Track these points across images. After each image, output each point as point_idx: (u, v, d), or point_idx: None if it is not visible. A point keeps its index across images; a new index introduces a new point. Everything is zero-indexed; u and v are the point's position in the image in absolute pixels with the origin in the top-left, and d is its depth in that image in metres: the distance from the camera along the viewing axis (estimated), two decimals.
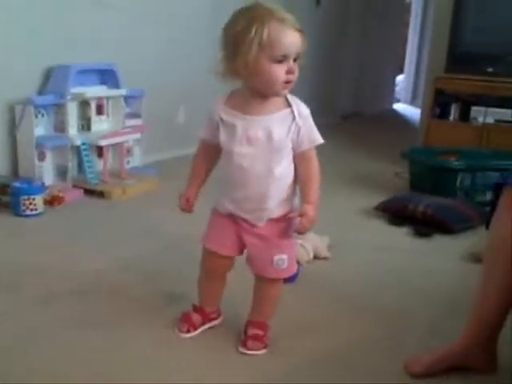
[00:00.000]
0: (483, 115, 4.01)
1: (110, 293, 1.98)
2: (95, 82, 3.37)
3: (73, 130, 3.19)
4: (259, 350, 1.64)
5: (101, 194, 3.11)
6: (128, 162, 3.52)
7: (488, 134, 3.98)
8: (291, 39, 1.40)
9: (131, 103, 3.55)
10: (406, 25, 8.85)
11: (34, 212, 2.72)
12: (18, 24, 3.00)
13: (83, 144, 3.16)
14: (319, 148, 1.53)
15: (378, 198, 3.09)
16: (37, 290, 1.97)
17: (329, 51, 6.00)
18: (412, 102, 8.82)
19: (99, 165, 3.35)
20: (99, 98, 3.33)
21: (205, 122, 1.59)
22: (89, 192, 3.12)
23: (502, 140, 3.85)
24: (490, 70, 3.96)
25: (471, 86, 4.01)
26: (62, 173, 3.14)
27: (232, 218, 1.59)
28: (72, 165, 3.18)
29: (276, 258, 1.57)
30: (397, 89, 8.98)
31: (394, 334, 1.80)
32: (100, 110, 3.35)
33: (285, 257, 1.58)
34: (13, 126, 3.03)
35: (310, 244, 2.34)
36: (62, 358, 1.57)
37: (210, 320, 1.75)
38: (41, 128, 3.06)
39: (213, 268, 1.68)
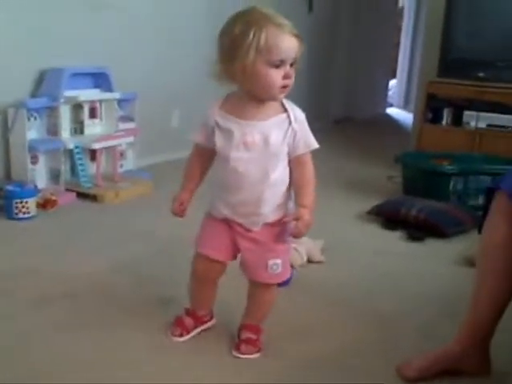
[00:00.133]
0: (475, 120, 4.03)
1: (103, 296, 1.97)
2: (88, 86, 3.36)
3: (66, 133, 3.18)
4: (252, 353, 1.63)
5: (94, 198, 3.10)
6: (121, 166, 3.51)
7: (480, 138, 4.00)
8: (288, 44, 1.40)
9: (124, 106, 3.55)
10: (399, 30, 8.89)
11: (26, 215, 2.71)
12: (11, 27, 3.00)
13: (76, 147, 3.15)
14: (313, 152, 1.53)
15: (371, 202, 3.10)
16: (29, 294, 1.96)
17: (321, 56, 6.01)
18: (405, 106, 8.84)
19: (92, 168, 3.34)
20: (92, 102, 3.32)
21: (199, 125, 1.58)
22: (82, 195, 3.11)
23: (495, 144, 3.87)
24: (481, 75, 3.98)
25: (463, 91, 4.03)
26: (54, 176, 3.13)
27: (226, 222, 1.58)
28: (65, 168, 3.17)
29: (270, 262, 1.57)
30: (389, 93, 9.01)
31: (388, 337, 1.80)
32: (93, 114, 3.35)
33: (279, 261, 1.58)
34: (5, 129, 3.02)
35: (304, 248, 2.34)
36: (54, 362, 1.56)
37: (203, 323, 1.74)
38: (33, 131, 3.05)
39: (204, 273, 1.66)
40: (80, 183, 3.16)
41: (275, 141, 1.48)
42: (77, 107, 3.25)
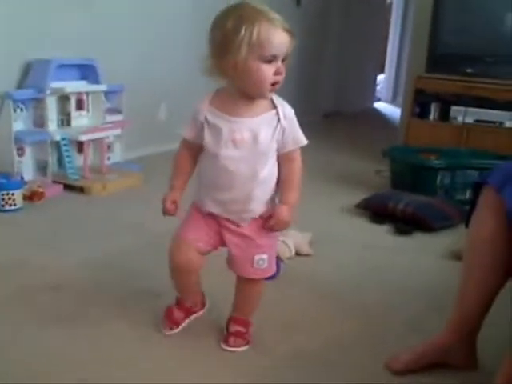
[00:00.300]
0: (463, 115, 4.05)
1: (89, 289, 1.96)
2: (75, 77, 3.33)
3: (52, 124, 3.16)
4: (241, 346, 1.63)
5: (81, 190, 3.09)
6: (109, 158, 3.49)
7: (467, 133, 4.01)
8: (280, 39, 1.39)
9: (112, 99, 3.52)
10: (387, 24, 8.90)
11: (13, 207, 2.69)
12: None
13: (63, 139, 3.13)
14: (302, 146, 1.52)
15: (359, 196, 3.11)
16: (15, 286, 1.94)
17: (310, 50, 6.01)
18: (393, 101, 8.88)
19: (79, 160, 3.32)
20: (79, 93, 3.30)
21: (189, 120, 1.54)
22: (69, 187, 3.10)
23: (482, 140, 3.89)
24: (469, 70, 3.99)
25: (451, 86, 4.04)
26: (41, 168, 3.11)
27: (214, 216, 1.56)
28: (52, 160, 3.15)
29: (257, 257, 1.56)
30: (378, 88, 9.03)
31: (376, 331, 1.81)
32: (80, 105, 3.33)
33: (265, 257, 1.57)
34: None
35: (292, 240, 2.34)
36: (39, 356, 1.55)
37: (192, 313, 1.73)
38: (20, 123, 3.03)
39: (183, 263, 1.57)
40: (67, 175, 3.13)
41: (264, 139, 1.46)
42: (63, 99, 3.23)
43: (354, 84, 7.48)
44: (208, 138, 1.49)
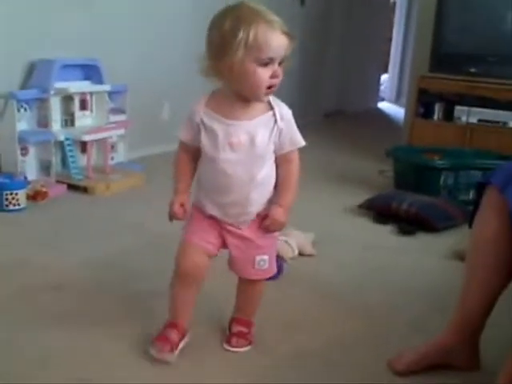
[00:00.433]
0: (466, 115, 4.04)
1: (91, 289, 1.96)
2: (79, 77, 3.34)
3: (56, 125, 3.16)
4: (243, 347, 1.63)
5: (84, 190, 3.09)
6: (112, 158, 3.49)
7: (471, 133, 4.01)
8: (278, 42, 1.36)
9: (115, 99, 3.53)
10: (391, 24, 8.89)
11: (16, 207, 2.70)
12: (0, 18, 2.96)
13: (67, 139, 3.14)
14: (305, 145, 1.51)
15: (362, 196, 3.10)
16: (16, 285, 1.94)
17: (313, 51, 6.01)
18: (396, 100, 8.86)
19: (83, 160, 3.32)
20: (83, 93, 3.31)
21: (185, 122, 1.52)
22: (72, 187, 3.10)
23: (485, 140, 3.88)
24: (473, 70, 3.99)
25: (455, 86, 4.03)
26: (45, 168, 3.12)
27: (215, 218, 1.54)
28: (55, 160, 3.15)
29: (258, 258, 1.55)
30: (381, 88, 9.02)
31: (378, 331, 1.80)
32: (84, 105, 3.33)
33: (266, 257, 1.57)
34: None
35: (295, 241, 2.34)
36: (39, 356, 1.54)
37: (185, 335, 1.61)
38: (23, 123, 3.04)
39: (192, 269, 1.53)
40: (71, 175, 3.14)
41: (261, 141, 1.45)
42: (67, 99, 3.23)
43: (356, 84, 7.47)
44: (205, 140, 1.47)
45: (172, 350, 1.54)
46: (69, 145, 3.14)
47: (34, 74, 3.11)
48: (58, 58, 3.13)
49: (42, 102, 3.09)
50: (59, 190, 3.05)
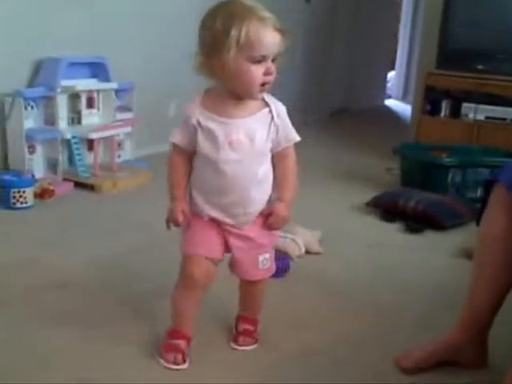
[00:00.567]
0: (474, 112, 4.02)
1: (96, 288, 1.96)
2: (86, 75, 3.34)
3: (63, 122, 3.17)
4: (250, 345, 1.63)
5: (91, 188, 3.09)
6: (119, 156, 3.50)
7: (478, 130, 3.99)
8: (271, 39, 1.34)
9: (122, 97, 3.53)
10: (398, 21, 8.85)
11: (24, 205, 2.71)
12: (8, 16, 2.97)
13: (74, 137, 3.14)
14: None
15: (369, 194, 3.09)
16: (24, 284, 1.95)
17: (319, 47, 5.99)
18: (403, 98, 8.83)
19: (90, 158, 3.32)
20: (90, 91, 3.31)
21: (180, 125, 1.49)
22: (79, 185, 3.11)
23: (493, 137, 3.86)
24: (480, 67, 3.97)
25: (462, 83, 4.01)
26: (52, 166, 3.12)
27: (216, 221, 1.51)
28: (62, 158, 3.15)
29: (261, 258, 1.54)
30: (388, 85, 8.99)
31: (385, 329, 1.80)
32: (90, 103, 3.34)
33: (268, 256, 1.56)
34: (2, 119, 3.00)
35: (302, 239, 2.33)
36: (40, 355, 1.54)
37: (190, 343, 1.58)
38: (30, 120, 3.04)
39: (199, 277, 1.50)
40: (78, 173, 3.15)
41: (260, 138, 1.44)
42: (74, 97, 3.24)
43: (363, 81, 7.45)
44: (203, 142, 1.44)
45: (184, 359, 1.53)
46: (76, 143, 3.15)
47: (41, 72, 3.11)
48: (65, 55, 3.13)
49: (48, 100, 3.09)
50: (66, 187, 3.05)
